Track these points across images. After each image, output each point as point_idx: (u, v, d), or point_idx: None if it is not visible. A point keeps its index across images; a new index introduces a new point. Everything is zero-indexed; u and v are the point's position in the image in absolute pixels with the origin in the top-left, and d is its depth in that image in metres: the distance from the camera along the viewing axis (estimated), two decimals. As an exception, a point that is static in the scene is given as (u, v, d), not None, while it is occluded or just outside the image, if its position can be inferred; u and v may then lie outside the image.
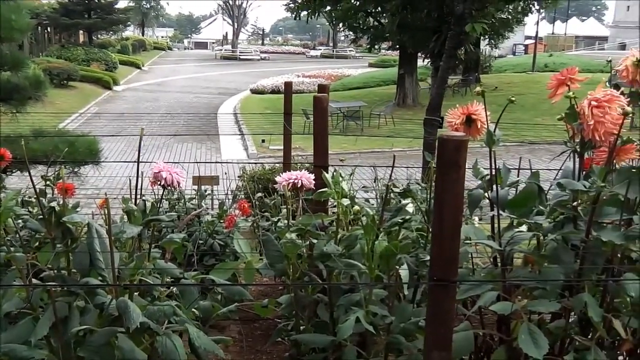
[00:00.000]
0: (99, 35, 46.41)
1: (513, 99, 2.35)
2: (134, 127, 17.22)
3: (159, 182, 2.38)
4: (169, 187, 2.41)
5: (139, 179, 2.48)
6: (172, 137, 17.80)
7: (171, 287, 2.23)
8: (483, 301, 2.05)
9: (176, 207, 4.30)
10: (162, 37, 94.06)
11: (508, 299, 2.11)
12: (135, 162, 2.46)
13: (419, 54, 23.50)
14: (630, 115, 2.12)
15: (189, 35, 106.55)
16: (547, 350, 1.89)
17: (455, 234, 1.63)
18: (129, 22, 51.96)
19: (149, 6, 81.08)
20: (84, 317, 1.94)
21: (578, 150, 2.19)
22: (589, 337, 2.13)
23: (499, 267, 2.31)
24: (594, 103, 2.03)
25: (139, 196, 2.43)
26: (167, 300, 2.21)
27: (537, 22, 41.54)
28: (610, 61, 2.43)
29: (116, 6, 41.72)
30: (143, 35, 77.28)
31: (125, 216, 2.26)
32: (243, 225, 3.84)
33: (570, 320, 2.24)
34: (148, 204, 2.22)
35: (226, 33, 79.72)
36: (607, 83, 2.28)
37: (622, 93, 2.15)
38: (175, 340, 1.90)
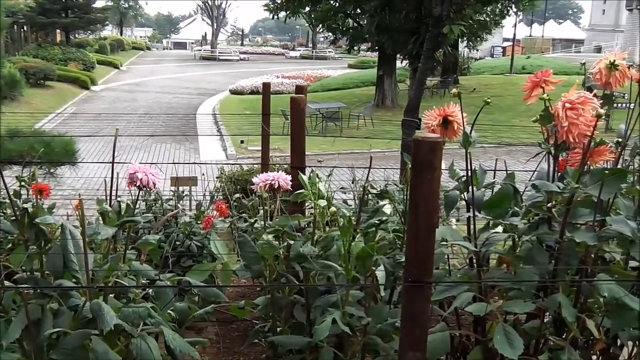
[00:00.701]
0: (76, 35, 46.03)
1: (488, 100, 2.36)
2: (111, 128, 17.07)
3: (134, 183, 2.37)
4: (145, 188, 2.39)
5: (115, 180, 2.46)
6: (151, 138, 17.68)
7: (147, 289, 2.22)
8: (459, 302, 2.06)
9: (153, 208, 4.27)
10: (141, 37, 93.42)
11: (484, 299, 2.12)
12: (113, 162, 2.44)
13: (398, 56, 23.56)
14: (604, 117, 2.15)
15: (168, 36, 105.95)
16: (522, 351, 1.91)
17: (430, 235, 1.63)
18: (107, 22, 51.62)
19: (127, 6, 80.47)
20: (57, 320, 1.92)
21: (552, 151, 2.21)
22: (563, 337, 2.15)
23: (474, 268, 2.32)
24: (567, 105, 2.05)
25: (114, 197, 2.42)
26: (143, 302, 2.19)
27: (515, 24, 41.84)
28: (584, 64, 2.45)
29: (94, 5, 41.36)
30: (121, 35, 76.64)
31: (100, 217, 2.24)
32: (220, 226, 3.83)
33: (545, 321, 2.26)
34: (123, 205, 2.20)
35: (205, 33, 79.35)
36: (582, 85, 2.30)
37: (595, 95, 2.17)
38: (150, 342, 1.89)
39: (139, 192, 2.42)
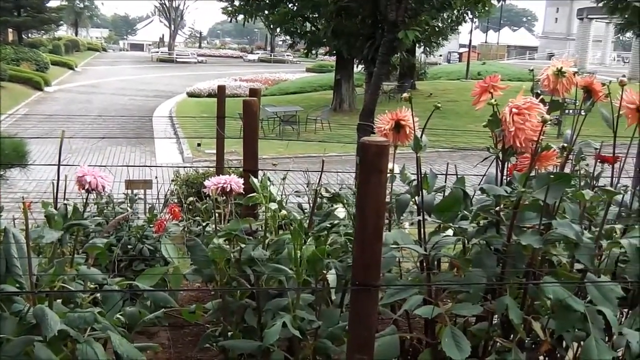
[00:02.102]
0: (29, 34, 45.09)
1: (439, 105, 2.39)
2: (65, 130, 16.77)
3: (83, 186, 2.33)
4: (94, 191, 2.36)
5: (62, 182, 2.42)
6: (106, 140, 17.41)
7: (94, 294, 2.18)
8: (408, 305, 2.08)
9: (105, 211, 4.20)
10: (97, 37, 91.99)
11: (432, 302, 2.14)
12: (59, 165, 2.40)
13: (355, 60, 23.68)
14: (555, 123, 2.19)
15: (125, 37, 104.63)
16: (470, 353, 1.93)
17: (377, 238, 1.64)
18: (61, 22, 50.67)
19: (82, 5, 79.14)
20: (0, 326, 1.87)
21: (500, 156, 2.24)
22: (511, 338, 2.18)
23: (425, 272, 2.34)
24: (514, 110, 2.08)
25: (65, 200, 2.37)
26: (91, 306, 2.15)
27: (471, 31, 42.42)
28: (532, 70, 2.50)
29: (48, 4, 40.62)
30: (76, 35, 75.38)
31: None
32: (174, 229, 3.79)
33: (493, 323, 2.29)
34: (70, 208, 2.16)
35: (163, 35, 78.63)
36: (531, 91, 2.34)
37: (542, 101, 2.21)
38: (96, 347, 1.85)
39: (87, 195, 2.38)
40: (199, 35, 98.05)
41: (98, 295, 2.26)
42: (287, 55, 66.47)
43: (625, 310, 2.49)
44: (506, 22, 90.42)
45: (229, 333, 2.52)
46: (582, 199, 2.22)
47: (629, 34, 36.92)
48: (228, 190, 2.63)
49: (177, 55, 63.87)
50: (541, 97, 2.24)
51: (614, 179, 2.64)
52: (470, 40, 42.73)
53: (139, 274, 2.83)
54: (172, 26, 72.60)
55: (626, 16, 29.16)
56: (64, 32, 72.42)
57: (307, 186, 3.76)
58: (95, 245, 2.21)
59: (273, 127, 20.55)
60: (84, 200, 2.45)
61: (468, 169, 2.62)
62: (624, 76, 2.29)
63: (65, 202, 2.25)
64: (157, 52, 68.39)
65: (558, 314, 2.04)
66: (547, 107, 2.24)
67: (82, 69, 46.77)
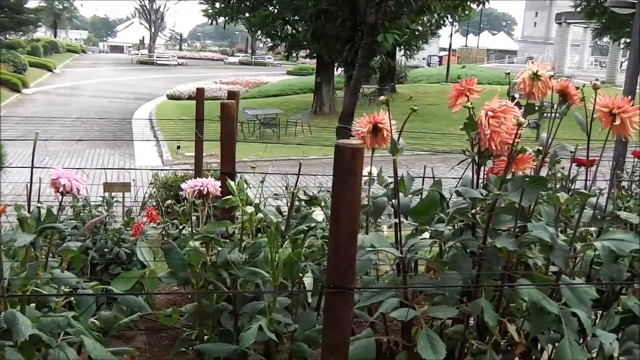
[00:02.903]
0: (7, 36, 44.61)
1: (415, 108, 2.39)
2: (43, 132, 16.62)
3: (57, 189, 2.30)
4: (68, 194, 2.33)
5: (36, 185, 2.39)
6: (85, 143, 17.28)
7: (68, 298, 2.15)
8: (384, 308, 2.08)
9: (81, 214, 4.16)
10: (76, 39, 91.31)
11: (408, 305, 2.14)
12: (32, 167, 2.37)
13: (336, 63, 23.74)
14: (534, 127, 2.20)
15: (105, 39, 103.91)
16: (445, 355, 1.93)
17: (351, 241, 1.63)
18: (39, 23, 50.23)
19: (61, 7, 78.55)
20: (-30, 331, 1.84)
21: (477, 159, 2.25)
22: (486, 341, 2.19)
23: (401, 274, 2.35)
24: (490, 113, 2.09)
25: (39, 203, 2.34)
26: (64, 311, 2.13)
27: (451, 34, 42.72)
28: (508, 74, 2.51)
29: (26, 5, 40.21)
30: (55, 37, 74.79)
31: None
32: (151, 232, 3.76)
33: (469, 325, 2.30)
34: (43, 211, 2.14)
35: (143, 37, 78.18)
36: (509, 95, 2.36)
37: (517, 104, 2.22)
38: (68, 352, 1.83)
39: (62, 198, 2.35)
40: (179, 37, 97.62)
41: (72, 299, 2.23)
42: (267, 57, 66.47)
43: (600, 311, 2.51)
44: (486, 26, 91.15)
45: (205, 337, 2.51)
46: (558, 201, 2.24)
47: (606, 39, 37.40)
48: (205, 193, 2.62)
49: (157, 57, 63.57)
50: (517, 100, 2.26)
51: (589, 181, 2.66)
52: (450, 44, 43.02)
53: (115, 278, 2.81)
54: (153, 28, 72.29)
55: (603, 21, 29.61)
56: (42, 33, 71.74)
57: (285, 189, 3.75)
58: (69, 248, 2.18)
59: (253, 129, 20.51)
60: (60, 204, 2.43)
61: (448, 172, 2.63)
62: (597, 80, 2.30)
63: (39, 204, 2.22)
64: (137, 54, 68.02)
65: (533, 316, 2.05)
66: (523, 110, 2.25)
67: (61, 71, 46.41)
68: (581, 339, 2.19)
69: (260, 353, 2.40)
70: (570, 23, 48.31)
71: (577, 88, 2.33)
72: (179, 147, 16.84)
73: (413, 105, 2.44)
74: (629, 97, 2.27)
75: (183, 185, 2.67)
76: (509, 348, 2.29)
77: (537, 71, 2.26)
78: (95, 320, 2.36)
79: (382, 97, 2.41)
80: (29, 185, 2.55)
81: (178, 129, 20.45)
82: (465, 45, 68.36)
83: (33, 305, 2.10)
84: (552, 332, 2.12)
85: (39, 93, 32.23)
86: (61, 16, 79.72)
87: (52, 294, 2.05)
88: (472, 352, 2.19)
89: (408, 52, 29.29)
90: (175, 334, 3.49)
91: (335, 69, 25.06)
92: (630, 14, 12.11)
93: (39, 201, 2.41)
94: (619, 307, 2.32)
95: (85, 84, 38.25)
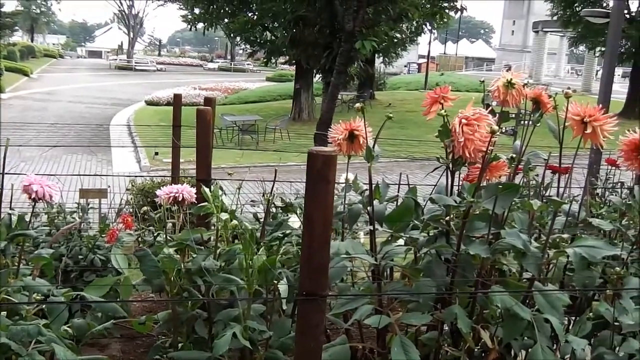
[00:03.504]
0: (-18, 40, 44.17)
1: (391, 115, 2.40)
2: (19, 137, 16.44)
3: (30, 196, 2.28)
4: (41, 200, 2.31)
5: (8, 191, 2.36)
6: (61, 148, 17.12)
7: (39, 305, 2.13)
8: (358, 314, 2.08)
9: (55, 221, 4.13)
10: (54, 44, 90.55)
11: (382, 312, 2.14)
12: (3, 173, 2.34)
13: (314, 69, 23.77)
14: (511, 134, 2.22)
15: (83, 44, 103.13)
16: (420, 362, 1.94)
17: (324, 248, 1.63)
18: (16, 27, 49.75)
19: (39, 11, 77.87)
20: (-61, 340, 1.82)
21: (451, 166, 2.26)
22: (460, 347, 2.20)
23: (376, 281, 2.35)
24: (464, 121, 2.11)
25: (10, 210, 2.32)
26: (36, 319, 2.10)
27: (430, 42, 42.99)
28: (483, 81, 2.53)
29: (2, 9, 39.80)
30: (32, 41, 74.05)
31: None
32: (127, 239, 3.73)
33: (444, 332, 2.31)
34: (14, 218, 2.11)
35: (122, 42, 77.74)
36: (483, 103, 2.37)
37: (491, 112, 2.24)
38: (39, 360, 1.81)
39: (34, 205, 2.33)
40: (158, 43, 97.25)
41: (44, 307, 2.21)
42: (247, 64, 66.36)
43: (573, 317, 2.54)
44: (464, 34, 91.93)
45: (180, 344, 2.49)
46: (531, 208, 2.26)
47: (581, 47, 37.85)
48: (180, 199, 2.61)
49: (136, 63, 63.22)
50: (490, 107, 2.27)
51: (561, 189, 2.69)
52: (429, 51, 43.28)
53: (88, 285, 2.78)
54: (131, 33, 71.89)
55: (579, 30, 29.99)
56: (19, 37, 71.02)
57: (262, 196, 3.74)
58: (41, 255, 2.16)
59: (232, 136, 20.46)
60: (32, 210, 2.41)
61: (426, 179, 2.64)
62: (569, 88, 2.33)
63: (10, 211, 2.19)
64: (116, 59, 67.51)
65: (506, 322, 2.07)
66: (498, 118, 2.27)
67: (38, 76, 45.96)
68: (554, 345, 2.21)
69: (235, 360, 2.39)
70: (547, 31, 48.87)
71: (550, 96, 2.36)
72: (156, 154, 16.75)
73: (388, 113, 2.44)
74: (601, 105, 2.29)
75: (158, 192, 2.65)
76: (482, 354, 2.30)
77: (511, 79, 2.28)
78: (67, 328, 2.33)
79: (357, 105, 2.42)
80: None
81: (156, 135, 20.34)
82: (444, 53, 68.82)
83: (4, 313, 2.08)
84: (525, 338, 2.14)
85: (15, 98, 31.88)
86: (38, 20, 79.02)
87: (23, 301, 2.02)
88: (446, 358, 2.19)
89: (387, 59, 29.42)
90: (151, 341, 3.46)
91: (314, 75, 25.09)
92: (604, 23, 12.29)
93: (10, 208, 2.39)
94: (591, 313, 2.35)
95: (62, 89, 37.91)
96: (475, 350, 2.27)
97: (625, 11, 24.82)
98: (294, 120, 24.40)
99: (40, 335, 1.89)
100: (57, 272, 2.85)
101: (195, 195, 2.65)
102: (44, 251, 2.19)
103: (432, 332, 2.28)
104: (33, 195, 2.28)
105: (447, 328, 2.32)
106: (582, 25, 27.34)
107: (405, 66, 60.36)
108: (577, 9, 28.14)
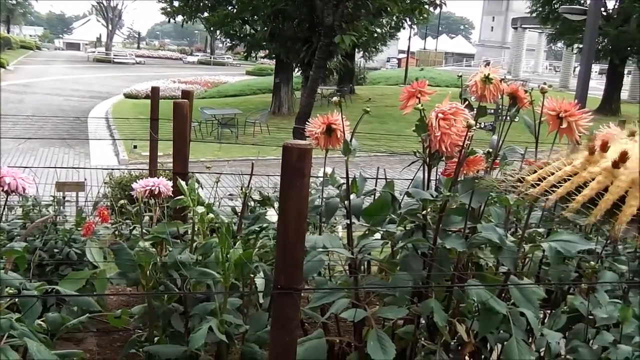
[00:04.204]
0: (-43, 31, 43.53)
1: (368, 109, 2.40)
2: (-6, 130, 16.24)
3: (2, 188, 2.25)
4: (14, 193, 2.28)
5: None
6: (38, 141, 16.93)
7: (11, 299, 2.10)
8: (335, 308, 2.08)
9: (30, 214, 4.07)
10: (31, 36, 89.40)
11: (359, 305, 2.15)
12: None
13: (294, 63, 23.72)
14: (490, 129, 2.23)
15: (60, 36, 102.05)
16: (395, 355, 1.94)
17: (299, 241, 1.63)
18: (-8, 19, 49.13)
19: (15, 2, 76.83)
20: None
21: (427, 160, 2.27)
22: (436, 341, 2.21)
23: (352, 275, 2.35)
24: (440, 115, 2.11)
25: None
26: (8, 313, 2.08)
27: (410, 37, 43.06)
28: (460, 76, 2.54)
29: (-23, 1, 39.27)
30: (8, 33, 73.03)
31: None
32: (103, 232, 3.70)
33: (420, 325, 2.31)
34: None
35: (100, 35, 77.01)
36: (461, 97, 2.38)
37: (468, 106, 2.24)
38: (10, 355, 1.79)
39: (6, 198, 2.30)
40: (137, 35, 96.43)
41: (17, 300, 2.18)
42: (227, 57, 66.08)
43: (548, 311, 2.56)
44: (444, 30, 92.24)
45: (156, 338, 2.47)
46: (507, 203, 2.27)
47: (560, 44, 38.14)
48: (157, 192, 2.59)
49: (114, 55, 62.61)
50: (468, 102, 2.28)
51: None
52: (409, 47, 43.36)
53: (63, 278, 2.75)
54: (110, 26, 71.27)
55: (557, 27, 30.18)
56: (-6, 29, 70.18)
57: (241, 190, 3.73)
58: (14, 249, 2.13)
59: (211, 129, 20.36)
60: (4, 203, 2.37)
61: (404, 173, 2.64)
62: (545, 84, 2.34)
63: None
64: (94, 52, 66.84)
65: (482, 316, 2.08)
66: (475, 112, 2.28)
67: (14, 68, 45.38)
68: (529, 338, 2.22)
69: (212, 354, 2.37)
70: (526, 28, 49.22)
71: (526, 91, 2.37)
72: (135, 147, 16.63)
73: (366, 107, 2.43)
74: (578, 101, 2.31)
75: (134, 185, 2.63)
76: (459, 348, 2.31)
77: (488, 74, 2.29)
78: (42, 322, 2.31)
79: (334, 99, 2.41)
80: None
81: (135, 128, 20.16)
82: (424, 48, 68.95)
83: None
84: (500, 331, 2.15)
85: (-10, 90, 31.48)
86: (14, 11, 77.95)
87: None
88: (422, 352, 2.20)
89: (367, 54, 29.42)
90: (127, 335, 3.44)
91: (293, 69, 25.03)
92: (581, 20, 12.38)
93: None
94: (566, 307, 2.37)
95: (39, 81, 37.48)
96: (451, 343, 2.28)
97: (602, 9, 25.05)
98: (273, 114, 24.33)
99: (12, 329, 1.87)
100: (35, 265, 2.81)
101: (172, 189, 2.63)
102: (17, 244, 2.16)
103: (409, 325, 2.28)
104: (5, 188, 2.25)
105: (423, 322, 2.33)
106: (561, 22, 27.54)
107: (387, 61, 60.46)
108: (555, 6, 28.34)
